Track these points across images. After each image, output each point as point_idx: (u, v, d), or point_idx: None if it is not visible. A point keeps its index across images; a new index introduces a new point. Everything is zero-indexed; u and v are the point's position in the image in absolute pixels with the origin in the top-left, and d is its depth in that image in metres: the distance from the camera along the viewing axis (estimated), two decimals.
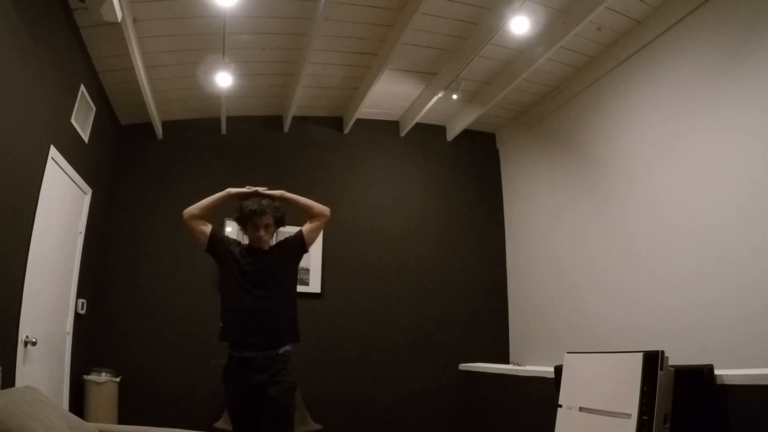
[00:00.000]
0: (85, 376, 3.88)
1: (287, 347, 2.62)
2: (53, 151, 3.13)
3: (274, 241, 2.81)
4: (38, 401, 2.02)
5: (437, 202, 5.42)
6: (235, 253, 2.70)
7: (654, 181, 3.65)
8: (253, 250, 2.72)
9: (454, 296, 5.16)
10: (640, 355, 2.50)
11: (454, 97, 4.55)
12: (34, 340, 2.92)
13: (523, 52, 4.15)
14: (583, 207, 4.36)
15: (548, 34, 3.85)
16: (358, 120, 5.14)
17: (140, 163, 4.75)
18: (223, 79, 3.98)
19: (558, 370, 3.16)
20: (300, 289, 4.74)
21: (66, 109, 3.39)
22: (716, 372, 2.37)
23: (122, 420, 3.94)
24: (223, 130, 4.91)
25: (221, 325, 2.65)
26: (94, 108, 3.83)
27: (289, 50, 4.06)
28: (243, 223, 2.72)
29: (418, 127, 5.31)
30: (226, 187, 2.79)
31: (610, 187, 4.10)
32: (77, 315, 3.86)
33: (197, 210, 2.72)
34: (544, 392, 3.40)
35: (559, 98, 4.74)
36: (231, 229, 4.66)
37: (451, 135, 5.50)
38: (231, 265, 2.67)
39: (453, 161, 5.54)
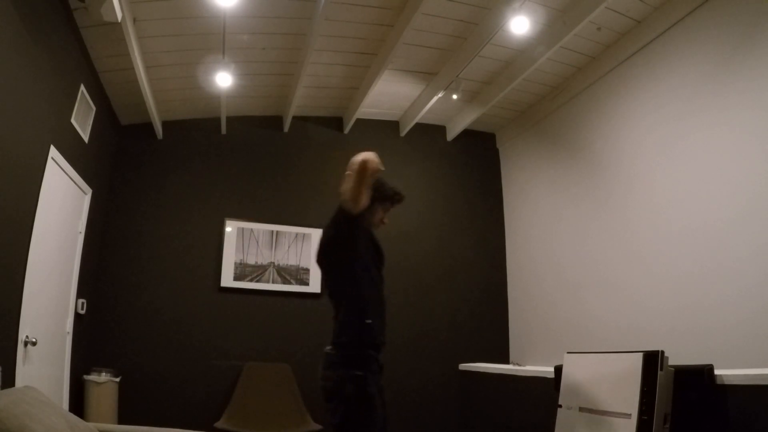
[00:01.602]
0: (85, 376, 3.88)
1: None
2: (53, 151, 3.13)
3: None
4: (38, 401, 2.01)
5: (437, 202, 5.42)
6: (370, 232, 2.23)
7: (654, 181, 3.65)
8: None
9: (453, 296, 5.17)
10: (640, 355, 2.50)
11: (454, 97, 4.55)
12: (34, 340, 2.92)
13: (523, 52, 4.15)
14: (583, 207, 4.36)
15: (548, 34, 3.85)
16: (358, 120, 5.15)
17: (140, 163, 4.74)
18: (223, 79, 3.99)
19: (558, 370, 3.16)
20: (300, 289, 4.88)
21: (66, 109, 3.38)
22: (716, 372, 2.37)
23: (122, 420, 3.94)
24: (223, 130, 4.91)
25: (368, 322, 2.08)
26: (94, 108, 3.83)
27: (289, 50, 4.06)
28: (378, 200, 2.21)
29: (418, 127, 5.31)
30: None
31: (610, 187, 4.10)
32: (77, 315, 3.86)
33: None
34: (544, 392, 3.40)
35: (559, 98, 4.74)
36: (231, 229, 4.67)
37: (451, 135, 5.50)
38: (369, 248, 2.19)
39: (453, 161, 5.54)
